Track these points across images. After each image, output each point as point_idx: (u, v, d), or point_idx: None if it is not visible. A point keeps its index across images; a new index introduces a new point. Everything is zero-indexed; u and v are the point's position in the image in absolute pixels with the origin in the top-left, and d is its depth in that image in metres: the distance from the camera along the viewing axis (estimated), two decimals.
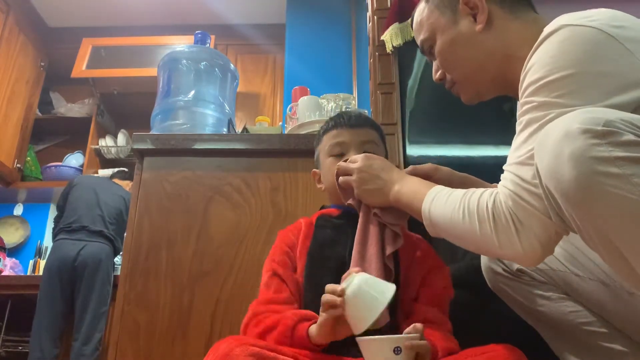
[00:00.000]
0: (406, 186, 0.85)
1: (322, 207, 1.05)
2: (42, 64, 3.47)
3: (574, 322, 0.81)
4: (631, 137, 0.55)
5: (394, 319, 0.86)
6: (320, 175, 1.06)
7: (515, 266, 0.85)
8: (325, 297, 0.76)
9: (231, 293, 1.27)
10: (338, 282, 0.79)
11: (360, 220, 0.90)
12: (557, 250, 0.81)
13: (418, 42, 0.96)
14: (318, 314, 0.79)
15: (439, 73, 0.94)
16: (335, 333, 0.77)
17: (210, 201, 1.36)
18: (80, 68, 3.30)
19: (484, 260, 0.92)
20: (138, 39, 3.43)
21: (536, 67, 0.70)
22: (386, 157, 1.03)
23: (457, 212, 0.74)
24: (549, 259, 0.82)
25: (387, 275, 0.85)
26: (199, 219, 1.34)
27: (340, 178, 0.94)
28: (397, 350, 0.71)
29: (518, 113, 0.74)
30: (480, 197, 0.73)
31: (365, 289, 0.74)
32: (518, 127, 0.73)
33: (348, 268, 0.83)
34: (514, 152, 0.72)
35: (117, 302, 1.28)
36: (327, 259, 0.91)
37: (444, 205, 0.77)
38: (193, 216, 1.35)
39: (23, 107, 3.26)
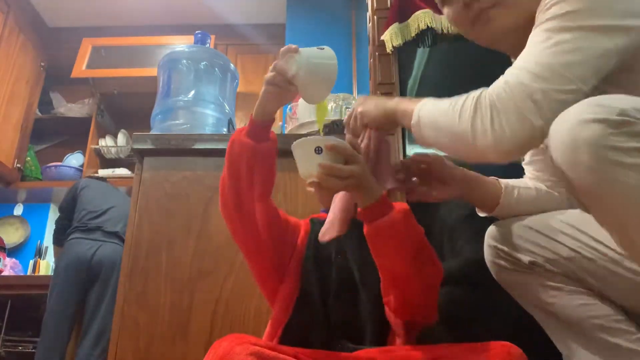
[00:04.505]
0: (405, 99, 0.90)
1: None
2: (42, 64, 3.47)
3: (583, 315, 0.80)
4: None
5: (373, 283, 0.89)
6: None
7: (527, 259, 0.84)
8: (270, 76, 0.84)
9: (231, 293, 1.27)
10: (325, 275, 0.89)
11: (370, 142, 0.93)
12: (568, 240, 0.81)
13: None
14: (313, 302, 0.87)
15: None
16: (281, 102, 0.88)
17: (210, 201, 1.36)
18: (80, 68, 3.29)
19: (489, 256, 0.92)
20: (138, 39, 3.43)
21: None
22: None
23: (443, 106, 0.79)
24: (558, 249, 0.82)
25: (400, 183, 0.93)
26: (199, 219, 1.34)
27: (348, 119, 0.98)
28: (317, 150, 0.79)
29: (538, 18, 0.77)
30: (469, 94, 0.77)
31: (316, 62, 0.83)
32: (536, 32, 0.76)
33: (333, 266, 0.92)
34: (527, 56, 0.75)
35: (117, 302, 1.29)
36: (318, 254, 0.96)
37: (434, 104, 0.81)
38: (193, 216, 1.35)
39: (23, 107, 3.26)
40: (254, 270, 0.96)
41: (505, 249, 0.88)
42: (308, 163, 0.80)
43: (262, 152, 0.87)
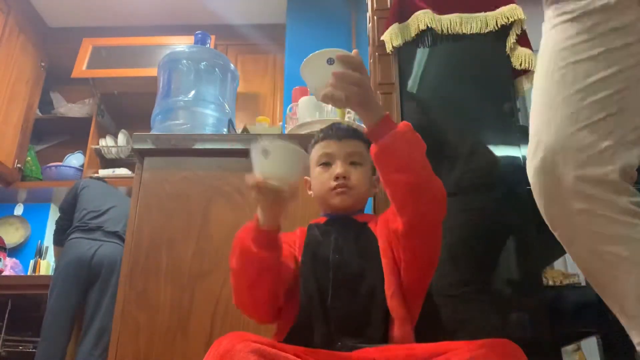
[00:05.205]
0: None
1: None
2: (42, 64, 3.47)
3: None
4: None
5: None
6: (310, 183, 1.12)
7: (610, 169, 0.77)
8: (248, 182, 0.82)
9: (231, 293, 1.27)
10: (324, 277, 0.91)
11: None
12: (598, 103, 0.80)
13: None
14: (312, 304, 0.89)
15: None
16: (274, 207, 0.85)
17: (210, 201, 1.36)
18: (81, 68, 3.30)
19: (571, 200, 0.80)
20: (138, 39, 3.43)
21: None
22: (373, 169, 1.06)
23: None
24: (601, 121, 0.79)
25: None
26: (199, 219, 1.34)
27: None
28: (330, 61, 0.81)
29: None
30: None
31: (277, 146, 0.82)
32: None
33: (331, 266, 0.93)
34: None
35: (117, 302, 1.29)
36: (315, 257, 0.97)
37: None
38: (193, 216, 1.35)
39: (23, 107, 3.26)
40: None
41: (585, 172, 0.79)
42: (321, 73, 0.82)
43: (268, 261, 0.87)
